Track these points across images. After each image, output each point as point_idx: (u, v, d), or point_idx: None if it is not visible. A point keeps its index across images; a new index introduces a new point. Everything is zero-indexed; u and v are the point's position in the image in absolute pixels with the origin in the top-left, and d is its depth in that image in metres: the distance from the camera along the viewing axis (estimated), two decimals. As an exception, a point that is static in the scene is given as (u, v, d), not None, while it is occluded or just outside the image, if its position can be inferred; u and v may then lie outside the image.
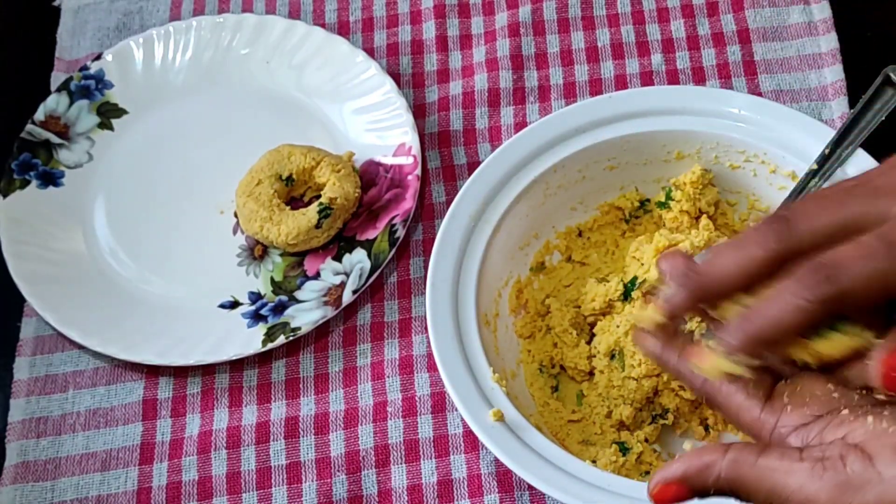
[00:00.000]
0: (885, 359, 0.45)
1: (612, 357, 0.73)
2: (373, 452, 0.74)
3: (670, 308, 0.51)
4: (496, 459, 0.70)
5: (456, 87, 0.90)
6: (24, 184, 0.85)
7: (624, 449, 0.71)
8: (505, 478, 0.72)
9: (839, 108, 0.84)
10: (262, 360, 0.79)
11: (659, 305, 0.51)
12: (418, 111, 0.89)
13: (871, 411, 0.46)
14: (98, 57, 0.91)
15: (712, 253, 0.51)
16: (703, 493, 0.47)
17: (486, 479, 0.73)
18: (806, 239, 0.48)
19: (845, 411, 0.47)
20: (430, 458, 0.74)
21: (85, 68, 0.90)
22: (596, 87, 0.89)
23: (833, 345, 0.48)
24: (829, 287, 0.46)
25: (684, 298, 0.51)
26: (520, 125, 0.87)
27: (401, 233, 0.80)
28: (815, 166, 0.73)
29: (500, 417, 0.67)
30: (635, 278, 0.74)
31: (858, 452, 0.44)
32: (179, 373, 0.79)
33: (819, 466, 0.44)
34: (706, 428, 0.73)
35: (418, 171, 0.82)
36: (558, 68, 0.90)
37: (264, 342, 0.77)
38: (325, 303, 0.78)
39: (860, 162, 0.73)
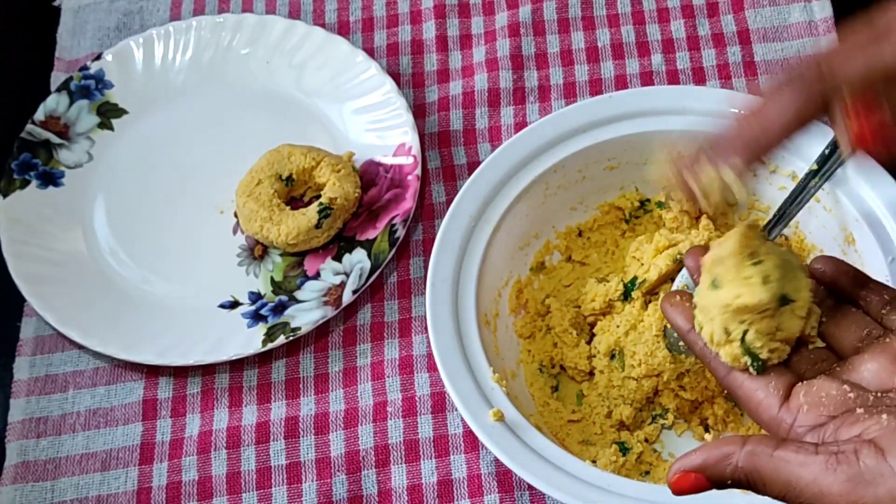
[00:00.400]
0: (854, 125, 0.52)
1: (612, 357, 0.73)
2: (373, 452, 0.74)
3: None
4: (496, 459, 0.70)
5: (456, 87, 0.90)
6: (24, 184, 0.85)
7: (624, 449, 0.71)
8: (505, 478, 0.72)
9: (839, 109, 0.84)
10: (262, 360, 0.79)
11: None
12: (418, 111, 0.89)
13: (887, 410, 0.46)
14: (98, 57, 0.91)
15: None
16: (721, 484, 0.48)
17: (486, 479, 0.73)
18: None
19: (860, 410, 0.47)
20: (430, 458, 0.74)
21: (85, 68, 0.90)
22: (596, 87, 0.89)
23: None
24: (827, 82, 0.53)
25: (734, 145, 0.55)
26: (520, 125, 0.87)
27: (401, 233, 0.80)
28: (815, 166, 0.73)
29: (500, 417, 0.67)
30: (635, 278, 0.74)
31: (872, 447, 0.45)
32: (179, 373, 0.79)
33: (833, 460, 0.45)
34: (706, 428, 0.73)
35: (418, 171, 0.82)
36: (558, 68, 0.90)
37: (264, 342, 0.77)
38: (325, 303, 0.78)
39: (860, 162, 0.73)
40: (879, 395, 0.48)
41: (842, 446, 0.45)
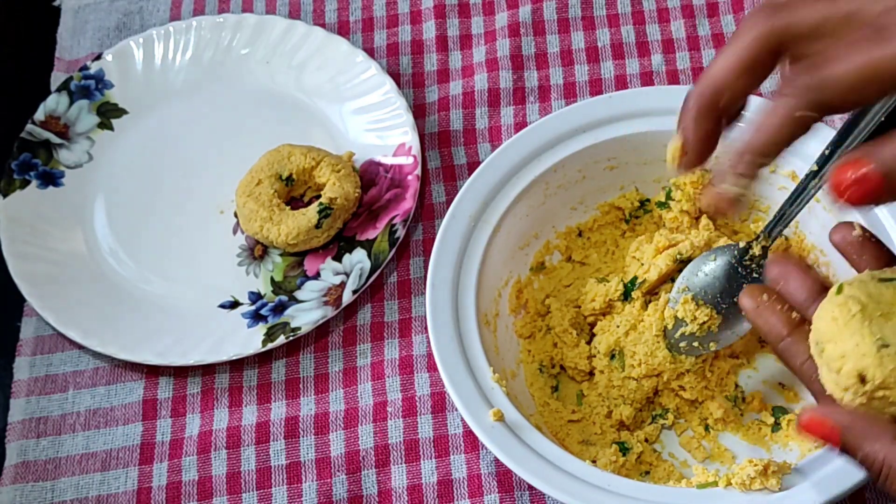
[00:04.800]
0: (836, 170, 0.47)
1: (612, 357, 0.73)
2: (373, 452, 0.74)
3: (686, 130, 0.52)
4: (496, 459, 0.70)
5: (456, 87, 0.90)
6: (24, 184, 0.85)
7: (624, 449, 0.71)
8: (505, 478, 0.72)
9: (839, 109, 0.84)
10: (262, 360, 0.79)
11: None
12: (418, 111, 0.89)
13: None
14: (98, 57, 0.91)
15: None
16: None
17: (486, 479, 0.73)
18: (794, 25, 0.49)
19: None
20: (430, 458, 0.74)
21: (85, 68, 0.90)
22: (596, 87, 0.89)
23: None
24: (818, 94, 0.47)
25: (692, 109, 0.52)
26: (520, 125, 0.87)
27: (401, 233, 0.80)
28: (816, 167, 0.73)
29: (500, 417, 0.67)
30: (635, 278, 0.74)
31: None
32: (179, 373, 0.79)
33: None
34: (706, 428, 0.73)
35: (418, 171, 0.82)
36: (558, 68, 0.90)
37: (264, 342, 0.77)
38: (325, 303, 0.78)
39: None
40: None
41: None
